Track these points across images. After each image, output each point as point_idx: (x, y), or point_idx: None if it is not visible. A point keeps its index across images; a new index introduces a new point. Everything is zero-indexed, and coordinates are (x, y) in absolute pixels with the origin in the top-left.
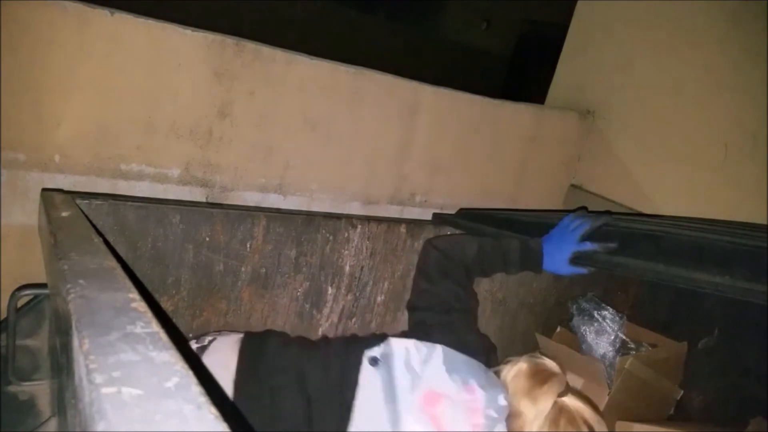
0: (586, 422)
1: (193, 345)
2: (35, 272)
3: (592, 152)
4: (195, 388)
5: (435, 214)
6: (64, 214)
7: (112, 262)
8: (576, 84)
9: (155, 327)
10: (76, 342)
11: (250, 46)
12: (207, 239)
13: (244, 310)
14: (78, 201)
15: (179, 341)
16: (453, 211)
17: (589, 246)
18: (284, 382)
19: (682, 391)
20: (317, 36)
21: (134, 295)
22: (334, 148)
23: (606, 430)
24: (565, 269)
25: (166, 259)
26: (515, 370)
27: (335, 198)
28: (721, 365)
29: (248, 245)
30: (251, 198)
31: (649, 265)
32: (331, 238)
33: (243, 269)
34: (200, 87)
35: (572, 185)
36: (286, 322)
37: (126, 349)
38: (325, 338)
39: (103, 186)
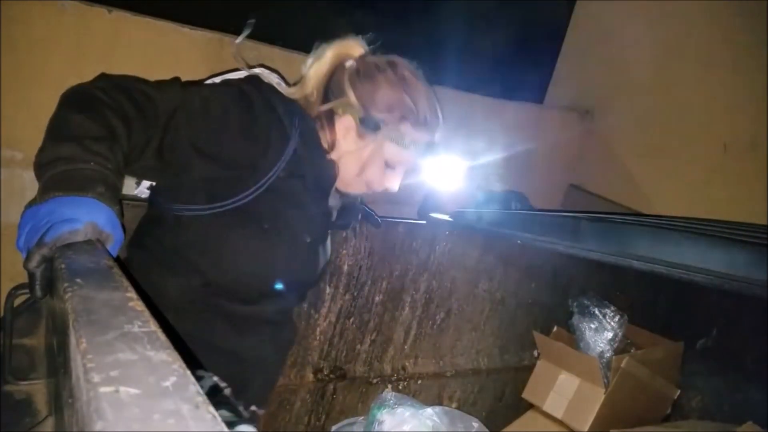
0: None
1: None
2: None
3: (591, 152)
4: (193, 388)
5: (430, 215)
6: None
7: (110, 261)
8: (575, 84)
9: (153, 326)
10: (73, 341)
11: (249, 44)
12: None
13: None
14: None
15: (177, 340)
16: None
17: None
18: None
19: (679, 391)
20: (316, 35)
21: (132, 294)
22: None
23: None
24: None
25: None
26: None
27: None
28: (719, 365)
29: None
30: None
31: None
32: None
33: None
34: None
35: (571, 185)
36: None
37: (124, 349)
38: None
39: None
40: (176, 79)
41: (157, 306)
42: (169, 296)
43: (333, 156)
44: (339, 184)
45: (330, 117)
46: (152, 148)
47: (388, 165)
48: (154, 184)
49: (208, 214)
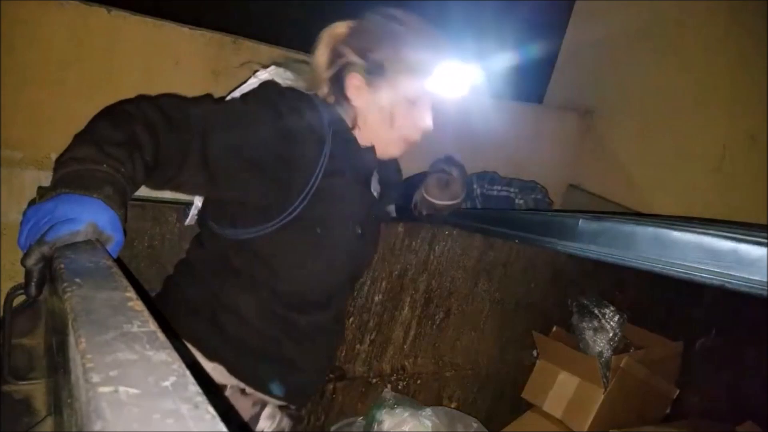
0: None
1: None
2: None
3: (591, 152)
4: (192, 388)
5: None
6: None
7: (109, 261)
8: (575, 84)
9: (152, 326)
10: (72, 341)
11: (248, 44)
12: None
13: None
14: None
15: (176, 340)
16: None
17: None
18: None
19: (678, 390)
20: (316, 35)
21: (131, 293)
22: None
23: None
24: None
25: (163, 257)
26: None
27: None
28: (718, 365)
29: None
30: None
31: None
32: None
33: None
34: (198, 85)
35: (570, 185)
36: None
37: (123, 348)
38: None
39: None
40: (208, 95)
41: (232, 318)
42: (240, 311)
43: (360, 128)
44: (379, 152)
45: (341, 90)
46: (193, 161)
47: (411, 103)
48: (200, 207)
49: (265, 233)
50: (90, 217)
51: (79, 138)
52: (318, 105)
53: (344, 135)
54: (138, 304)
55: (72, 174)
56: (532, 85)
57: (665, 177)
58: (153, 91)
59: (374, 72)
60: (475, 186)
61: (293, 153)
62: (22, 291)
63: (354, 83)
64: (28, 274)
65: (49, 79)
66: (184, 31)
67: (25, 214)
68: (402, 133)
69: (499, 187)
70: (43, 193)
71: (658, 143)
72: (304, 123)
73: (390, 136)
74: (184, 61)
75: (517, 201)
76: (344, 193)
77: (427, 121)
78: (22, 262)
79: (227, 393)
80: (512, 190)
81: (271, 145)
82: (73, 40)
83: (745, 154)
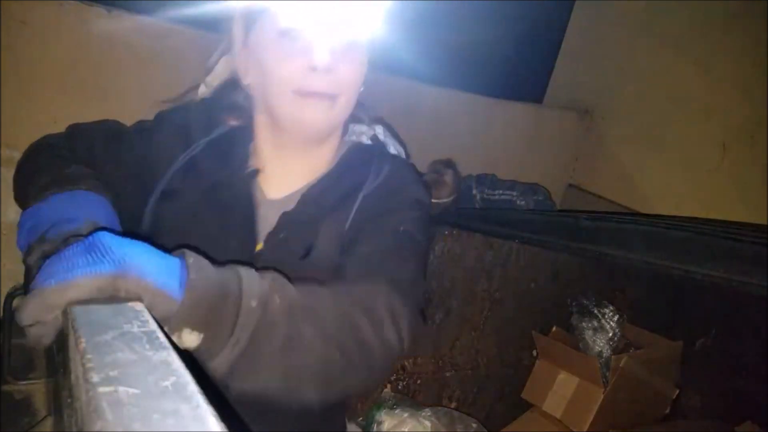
0: None
1: None
2: None
3: (590, 152)
4: (192, 388)
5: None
6: None
7: None
8: (574, 83)
9: (152, 326)
10: (72, 341)
11: None
12: None
13: None
14: None
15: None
16: None
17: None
18: None
19: (678, 390)
20: None
21: None
22: None
23: None
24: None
25: None
26: None
27: None
28: (718, 365)
29: None
30: None
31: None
32: None
33: None
34: None
35: (570, 185)
36: None
37: (123, 348)
38: None
39: None
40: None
41: None
42: None
43: (258, 132)
44: (286, 124)
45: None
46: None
47: (283, 35)
48: None
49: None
50: (88, 216)
51: (26, 172)
52: (211, 110)
53: (224, 147)
54: (138, 304)
55: (50, 177)
56: (532, 85)
57: (665, 177)
58: (152, 91)
59: (247, 27)
60: (475, 191)
61: (152, 155)
62: (21, 291)
63: (227, 62)
64: (27, 272)
65: (49, 79)
66: (186, 31)
67: (21, 216)
68: (290, 83)
69: (500, 191)
70: (30, 203)
71: (657, 143)
72: (177, 121)
73: (274, 91)
74: (184, 61)
75: (518, 203)
76: (202, 218)
77: (319, 55)
78: (24, 258)
79: None
80: (514, 193)
81: (139, 142)
82: (73, 40)
83: (745, 154)
